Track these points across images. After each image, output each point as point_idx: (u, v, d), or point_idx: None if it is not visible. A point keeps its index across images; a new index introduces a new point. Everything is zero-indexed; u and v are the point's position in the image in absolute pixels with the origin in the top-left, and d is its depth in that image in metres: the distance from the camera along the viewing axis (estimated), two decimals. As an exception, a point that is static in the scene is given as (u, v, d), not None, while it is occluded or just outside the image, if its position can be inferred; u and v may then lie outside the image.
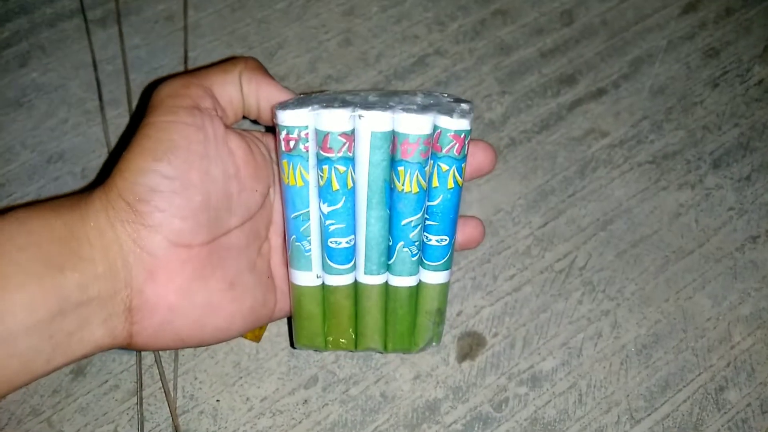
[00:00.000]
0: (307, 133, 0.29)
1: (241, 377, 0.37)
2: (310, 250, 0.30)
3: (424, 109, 0.29)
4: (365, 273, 0.31)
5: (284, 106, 0.29)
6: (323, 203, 0.29)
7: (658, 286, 0.40)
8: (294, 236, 0.30)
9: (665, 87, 0.46)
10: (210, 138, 0.28)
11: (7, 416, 0.36)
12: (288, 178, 0.29)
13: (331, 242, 0.30)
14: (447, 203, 0.30)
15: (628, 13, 0.48)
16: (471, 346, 0.38)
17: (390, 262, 0.31)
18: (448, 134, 0.29)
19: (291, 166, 0.29)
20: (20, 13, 0.47)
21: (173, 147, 0.27)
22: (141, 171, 0.27)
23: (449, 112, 0.29)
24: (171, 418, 0.36)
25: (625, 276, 0.40)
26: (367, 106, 0.29)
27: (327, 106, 0.28)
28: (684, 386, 0.38)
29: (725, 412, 0.37)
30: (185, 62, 0.45)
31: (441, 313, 0.33)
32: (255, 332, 0.37)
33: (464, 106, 0.30)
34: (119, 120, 0.43)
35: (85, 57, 0.45)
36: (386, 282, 0.31)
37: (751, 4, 0.49)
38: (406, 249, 0.30)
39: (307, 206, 0.30)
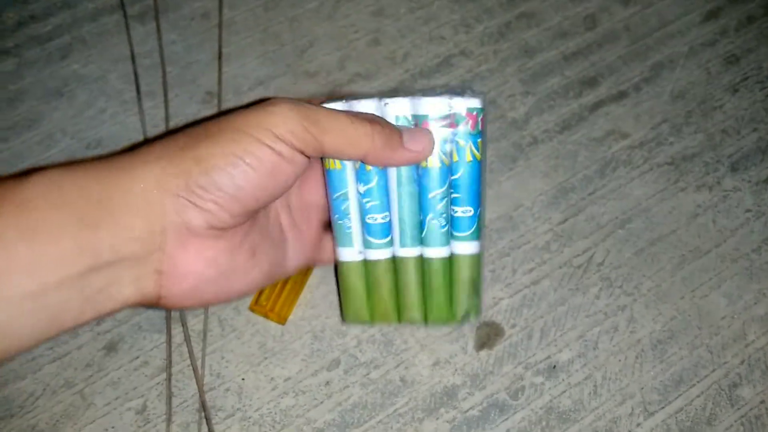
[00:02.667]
0: None
1: (266, 358, 0.38)
2: (350, 228, 0.33)
3: (439, 93, 0.32)
4: (401, 246, 0.33)
5: (320, 103, 0.31)
6: (359, 184, 0.32)
7: (675, 284, 0.41)
8: (337, 215, 0.33)
9: (685, 91, 0.47)
10: (296, 174, 0.30)
11: (42, 387, 0.37)
12: (328, 163, 0.32)
13: (368, 218, 0.33)
14: (468, 176, 0.33)
15: (650, 19, 0.49)
16: (489, 335, 0.39)
17: (422, 236, 0.33)
18: (462, 112, 0.32)
19: None
20: (63, 8, 0.49)
21: (258, 167, 0.29)
22: (217, 168, 0.28)
23: (461, 93, 0.32)
24: (198, 395, 0.37)
25: (642, 273, 0.41)
26: (391, 95, 0.32)
27: (357, 99, 0.32)
28: (698, 382, 0.38)
29: (738, 408, 0.38)
30: (219, 58, 0.47)
31: (475, 284, 0.34)
32: (281, 314, 0.38)
33: (476, 90, 0.33)
34: (155, 111, 0.45)
35: (124, 50, 0.47)
36: (421, 256, 0.34)
37: (773, 13, 0.50)
38: (435, 221, 0.33)
39: (346, 187, 0.33)
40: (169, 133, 0.44)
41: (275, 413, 0.37)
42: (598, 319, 0.40)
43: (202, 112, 0.45)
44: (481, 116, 0.33)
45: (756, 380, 0.38)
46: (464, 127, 0.32)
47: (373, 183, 0.32)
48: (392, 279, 0.34)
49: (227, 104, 0.46)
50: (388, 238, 0.33)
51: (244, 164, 0.28)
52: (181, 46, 0.48)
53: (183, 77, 0.47)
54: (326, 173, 0.33)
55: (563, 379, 0.38)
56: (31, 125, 0.45)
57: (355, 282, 0.34)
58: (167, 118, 0.45)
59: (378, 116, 0.32)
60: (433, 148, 0.32)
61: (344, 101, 0.32)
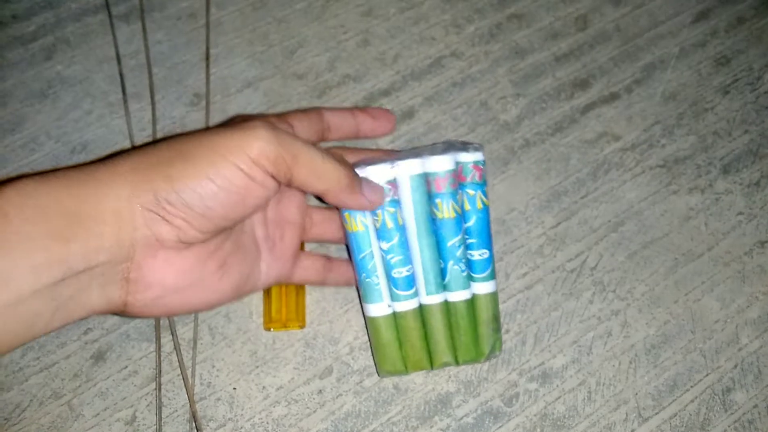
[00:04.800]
0: None
1: (257, 366, 0.38)
2: (378, 284, 0.35)
3: (445, 150, 0.35)
4: (427, 294, 0.36)
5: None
6: (382, 241, 0.35)
7: (668, 288, 0.41)
8: (364, 274, 0.35)
9: (677, 93, 0.47)
10: (267, 197, 0.30)
11: (29, 398, 0.36)
12: (351, 226, 0.35)
13: (394, 273, 0.35)
14: (480, 222, 0.36)
15: (641, 19, 0.49)
16: (483, 341, 0.39)
17: (445, 282, 0.36)
18: (469, 165, 0.36)
19: (351, 216, 0.35)
20: (46, 8, 0.48)
21: (229, 190, 0.29)
22: (187, 188, 0.28)
23: (465, 149, 0.36)
24: (188, 404, 0.37)
25: (635, 277, 0.41)
26: (401, 157, 0.35)
27: (370, 164, 0.34)
28: (691, 386, 0.38)
29: (732, 413, 0.38)
30: (207, 58, 0.46)
31: (496, 320, 0.37)
32: (299, 318, 0.38)
33: (475, 144, 0.36)
34: (141, 113, 0.44)
35: (109, 51, 0.46)
36: (446, 300, 0.36)
37: (762, 13, 0.50)
38: (456, 266, 0.35)
39: (370, 247, 0.35)
40: (155, 141, 0.44)
41: (267, 423, 0.37)
42: (592, 324, 0.40)
43: (190, 114, 0.45)
44: (485, 167, 0.36)
45: (749, 384, 0.38)
46: (472, 179, 0.35)
47: (395, 239, 0.35)
48: (420, 327, 0.36)
49: (215, 106, 0.45)
50: (414, 289, 0.35)
51: (214, 185, 0.28)
52: (168, 46, 0.47)
53: (170, 78, 0.46)
54: (349, 236, 0.35)
55: (557, 385, 0.38)
56: (14, 128, 0.44)
57: (387, 335, 0.36)
58: (154, 121, 0.44)
59: (345, 160, 0.33)
60: (383, 202, 0.34)
61: (359, 168, 0.34)
